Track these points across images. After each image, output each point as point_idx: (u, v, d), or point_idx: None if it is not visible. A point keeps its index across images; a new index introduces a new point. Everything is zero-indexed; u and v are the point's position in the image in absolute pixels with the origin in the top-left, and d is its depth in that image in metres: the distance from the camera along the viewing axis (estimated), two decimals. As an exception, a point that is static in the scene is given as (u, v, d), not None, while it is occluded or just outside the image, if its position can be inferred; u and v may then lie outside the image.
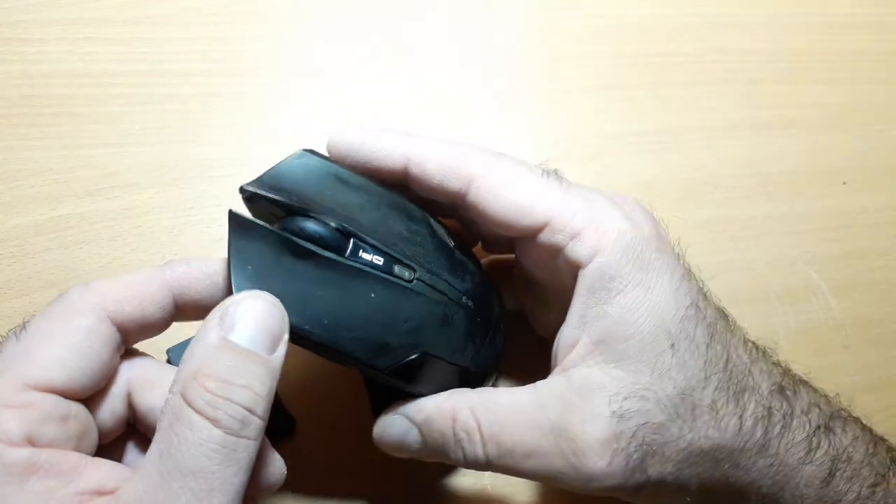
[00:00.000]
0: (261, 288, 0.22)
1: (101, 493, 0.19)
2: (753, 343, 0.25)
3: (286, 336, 0.21)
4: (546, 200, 0.24)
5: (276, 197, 0.24)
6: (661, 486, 0.23)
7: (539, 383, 0.24)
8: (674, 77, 0.41)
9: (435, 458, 0.25)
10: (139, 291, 0.22)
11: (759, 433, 0.23)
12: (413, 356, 0.23)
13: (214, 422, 0.19)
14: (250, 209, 0.25)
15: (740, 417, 0.23)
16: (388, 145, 0.25)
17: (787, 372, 0.26)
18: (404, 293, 0.24)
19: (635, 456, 0.23)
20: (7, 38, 0.36)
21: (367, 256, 0.24)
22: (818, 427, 0.24)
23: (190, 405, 0.19)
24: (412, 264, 0.24)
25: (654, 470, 0.23)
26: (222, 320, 0.20)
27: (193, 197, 0.34)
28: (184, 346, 0.26)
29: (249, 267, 0.22)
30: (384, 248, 0.24)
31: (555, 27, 0.42)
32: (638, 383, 0.23)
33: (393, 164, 0.25)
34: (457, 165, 0.25)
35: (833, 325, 0.36)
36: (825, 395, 0.26)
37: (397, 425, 0.25)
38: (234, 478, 0.19)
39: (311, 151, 0.26)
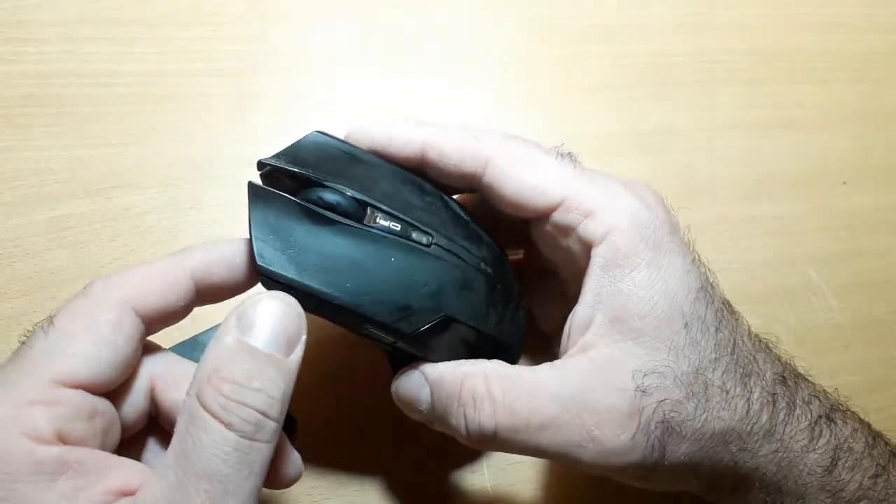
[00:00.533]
0: (282, 255, 0.22)
1: (125, 493, 0.19)
2: (756, 335, 0.26)
3: (304, 337, 0.21)
4: (560, 181, 0.25)
5: (295, 168, 0.24)
6: (674, 467, 0.23)
7: (557, 361, 0.24)
8: (674, 77, 0.41)
9: (441, 426, 0.25)
10: (162, 282, 0.22)
11: (765, 417, 0.24)
12: (436, 320, 0.23)
13: (228, 425, 0.19)
14: (267, 185, 0.25)
15: (748, 400, 0.24)
16: (405, 132, 0.26)
17: (787, 365, 0.26)
18: (423, 257, 0.24)
19: (655, 433, 0.23)
20: (7, 38, 0.36)
21: (384, 223, 0.24)
22: (819, 417, 0.25)
23: (205, 408, 0.19)
24: (428, 230, 0.24)
25: (671, 449, 0.23)
26: (240, 321, 0.20)
27: (193, 197, 0.34)
28: (188, 344, 0.26)
29: (271, 237, 0.22)
30: (400, 215, 0.24)
31: (555, 27, 0.42)
32: (656, 360, 0.23)
33: (411, 151, 0.26)
34: (473, 147, 0.25)
35: (833, 325, 0.36)
36: (823, 390, 0.26)
37: (413, 380, 0.25)
38: (246, 481, 0.19)
39: (324, 133, 0.26)
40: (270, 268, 0.22)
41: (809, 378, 0.27)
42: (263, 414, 0.19)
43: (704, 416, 0.23)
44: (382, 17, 0.40)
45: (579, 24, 0.42)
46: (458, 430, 0.24)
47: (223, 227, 0.33)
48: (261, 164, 0.25)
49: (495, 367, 0.24)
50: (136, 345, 0.21)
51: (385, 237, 0.24)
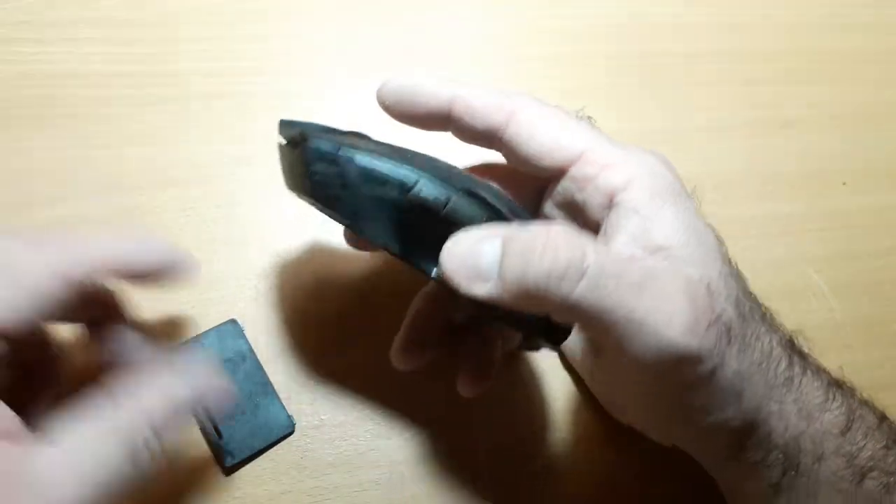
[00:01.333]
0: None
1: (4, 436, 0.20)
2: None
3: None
4: (580, 136, 0.26)
5: (331, 127, 0.25)
6: (728, 381, 0.23)
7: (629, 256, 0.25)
8: (674, 77, 0.41)
9: (512, 273, 0.21)
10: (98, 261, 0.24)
11: (784, 364, 0.24)
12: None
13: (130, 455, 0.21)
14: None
15: (771, 342, 0.24)
16: (434, 85, 0.26)
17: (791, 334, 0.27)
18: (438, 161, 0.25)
19: (722, 333, 0.22)
20: (7, 38, 0.36)
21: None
22: (830, 382, 0.26)
23: (130, 434, 0.21)
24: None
25: (729, 362, 0.22)
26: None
27: (193, 197, 0.34)
28: (191, 343, 0.26)
29: (319, 180, 0.23)
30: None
31: (555, 27, 0.42)
32: (711, 276, 0.23)
33: (439, 103, 0.26)
34: (499, 101, 0.26)
35: (833, 325, 0.36)
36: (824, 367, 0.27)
37: (474, 234, 0.22)
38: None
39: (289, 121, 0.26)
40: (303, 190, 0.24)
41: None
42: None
43: (748, 339, 0.24)
44: (382, 17, 0.40)
45: (579, 24, 0.42)
46: (539, 272, 0.21)
47: (223, 227, 0.33)
48: (289, 124, 0.25)
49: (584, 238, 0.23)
50: (54, 304, 0.23)
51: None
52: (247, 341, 0.31)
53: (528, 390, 0.32)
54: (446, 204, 0.23)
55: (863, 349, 0.36)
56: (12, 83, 0.35)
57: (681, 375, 0.22)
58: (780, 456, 0.25)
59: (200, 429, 0.29)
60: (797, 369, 0.25)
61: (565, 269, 0.20)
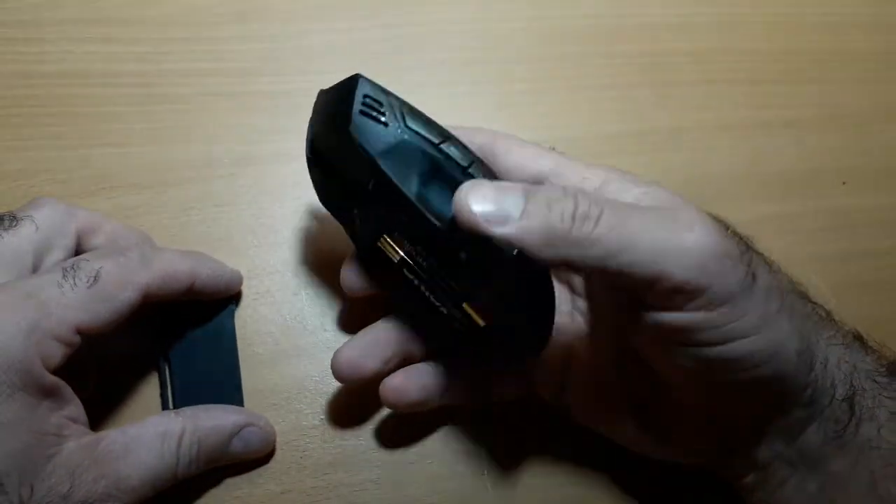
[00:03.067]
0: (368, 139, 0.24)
1: (74, 420, 0.25)
2: None
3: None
4: (549, 156, 0.27)
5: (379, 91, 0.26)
6: (760, 298, 0.23)
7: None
8: (674, 77, 0.41)
9: (529, 224, 0.22)
10: (175, 282, 0.27)
11: (823, 329, 0.26)
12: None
13: (174, 468, 0.26)
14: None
15: (810, 312, 0.26)
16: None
17: None
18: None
19: (746, 274, 0.23)
20: (7, 38, 0.36)
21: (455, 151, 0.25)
22: (853, 332, 0.27)
23: (178, 446, 0.26)
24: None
25: (762, 272, 0.24)
26: (241, 436, 0.28)
27: (193, 197, 0.34)
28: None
29: (362, 120, 0.25)
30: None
31: (555, 27, 0.42)
32: (721, 230, 0.24)
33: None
34: (480, 132, 0.28)
35: (833, 325, 0.36)
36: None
37: (494, 183, 0.22)
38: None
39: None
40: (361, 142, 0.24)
41: None
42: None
43: (778, 288, 0.25)
44: (382, 18, 0.40)
45: (579, 24, 0.42)
46: (566, 212, 0.22)
47: (223, 228, 0.33)
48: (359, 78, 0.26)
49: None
50: (130, 314, 0.26)
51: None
52: (233, 324, 0.31)
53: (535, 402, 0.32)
54: (470, 164, 0.25)
55: (863, 349, 0.36)
56: (12, 83, 0.35)
57: (721, 285, 0.22)
58: (831, 424, 0.25)
59: (161, 396, 0.30)
60: (833, 332, 0.26)
61: (588, 208, 0.22)
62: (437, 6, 0.41)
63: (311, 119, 0.27)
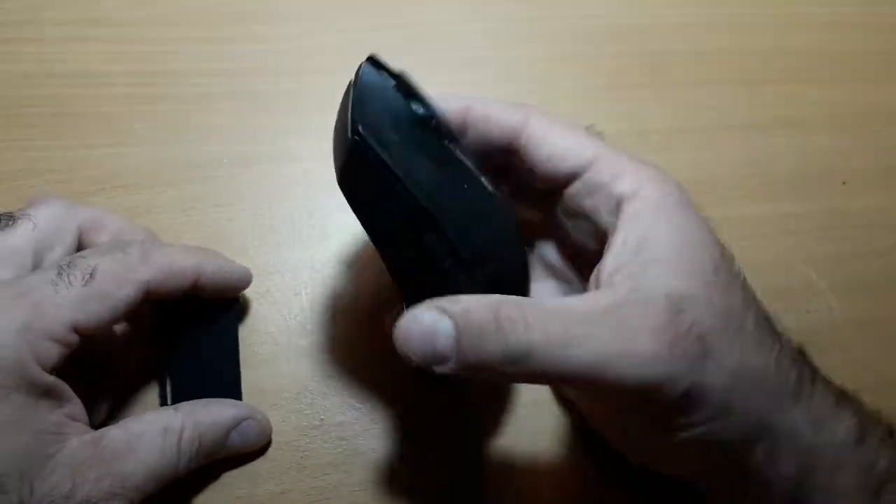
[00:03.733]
0: (378, 135, 0.22)
1: (73, 419, 0.24)
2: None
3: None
4: (592, 145, 0.26)
5: (402, 75, 0.26)
6: (711, 404, 0.23)
7: (585, 294, 0.25)
8: (674, 77, 0.41)
9: (464, 359, 0.22)
10: (177, 278, 0.27)
11: (794, 375, 0.24)
12: (493, 254, 0.25)
13: (175, 463, 0.26)
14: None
15: (779, 352, 0.24)
16: (447, 97, 0.27)
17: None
18: (489, 197, 0.25)
19: (693, 350, 0.22)
20: (7, 38, 0.36)
21: (462, 155, 0.25)
22: (838, 392, 0.25)
23: (178, 442, 0.26)
24: (495, 182, 0.26)
25: (710, 375, 0.22)
26: (239, 429, 0.28)
27: (193, 197, 0.34)
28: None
29: (372, 115, 0.23)
30: (471, 156, 0.26)
31: (555, 27, 0.42)
32: (690, 288, 0.23)
33: (453, 114, 0.27)
34: (514, 109, 0.27)
35: (833, 325, 0.36)
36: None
37: (427, 317, 0.22)
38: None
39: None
40: (367, 138, 0.22)
41: None
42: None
43: (739, 351, 0.23)
44: (382, 18, 0.40)
45: (579, 24, 0.42)
46: (494, 354, 0.22)
47: (223, 228, 0.33)
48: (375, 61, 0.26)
49: (523, 298, 0.24)
50: (130, 312, 0.26)
51: (465, 164, 0.25)
52: (236, 321, 0.31)
53: (534, 394, 0.32)
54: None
55: (863, 349, 0.36)
56: (12, 83, 0.35)
57: (657, 402, 0.23)
58: (792, 469, 0.24)
59: (159, 390, 0.30)
60: (806, 381, 0.25)
61: (515, 347, 0.22)
62: (437, 6, 0.41)
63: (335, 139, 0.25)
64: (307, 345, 0.32)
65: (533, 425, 0.32)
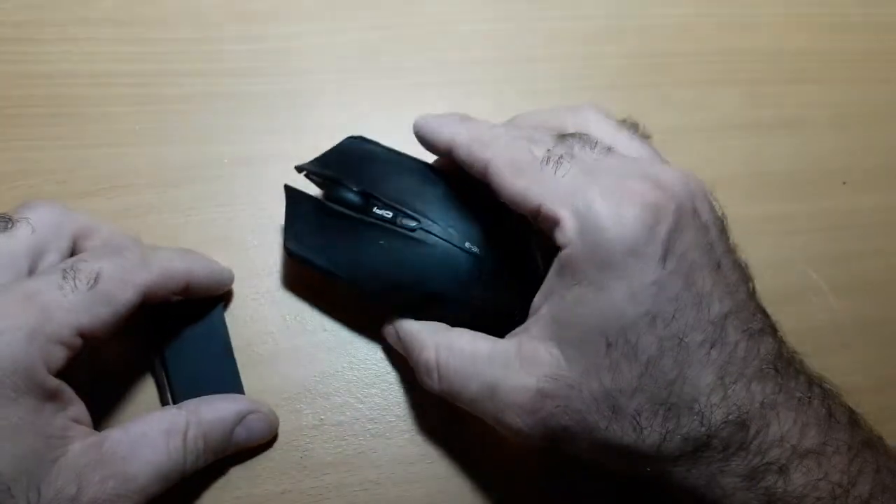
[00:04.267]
0: (301, 241, 0.30)
1: (78, 422, 0.25)
2: (740, 365, 0.24)
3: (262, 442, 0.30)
4: (538, 187, 0.26)
5: (318, 170, 0.31)
6: (581, 459, 0.26)
7: (498, 341, 0.27)
8: (674, 77, 0.41)
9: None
10: (172, 282, 0.28)
11: (687, 451, 0.23)
12: (423, 296, 0.29)
13: (182, 462, 0.26)
14: (310, 179, 0.32)
15: (663, 436, 0.23)
16: (439, 126, 0.29)
17: (764, 405, 0.24)
18: (408, 240, 0.29)
19: (553, 427, 0.25)
20: (7, 38, 0.36)
21: (379, 211, 0.29)
22: (770, 464, 0.23)
23: (184, 441, 0.26)
24: (417, 216, 0.29)
25: (568, 446, 0.25)
26: (244, 424, 0.28)
27: (193, 197, 0.34)
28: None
29: (296, 226, 0.30)
30: (393, 204, 0.29)
31: (555, 27, 0.42)
32: (570, 373, 0.24)
33: (442, 148, 0.29)
34: (476, 151, 0.28)
35: (833, 325, 0.36)
36: (813, 423, 0.24)
37: (390, 335, 0.30)
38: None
39: (357, 137, 0.32)
40: (293, 249, 0.30)
41: (799, 404, 0.24)
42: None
43: (607, 433, 0.24)
44: (382, 18, 0.40)
45: (579, 25, 0.42)
46: (419, 381, 0.29)
47: (223, 228, 0.33)
48: (298, 168, 0.32)
49: (447, 339, 0.28)
50: (129, 315, 0.26)
51: (378, 224, 0.29)
52: (223, 317, 0.31)
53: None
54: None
55: (863, 349, 0.36)
56: (12, 83, 0.35)
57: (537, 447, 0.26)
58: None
59: (159, 393, 0.30)
60: (712, 462, 0.23)
61: (425, 370, 0.28)
62: (438, 6, 0.41)
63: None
64: (307, 345, 0.32)
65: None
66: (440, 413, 0.31)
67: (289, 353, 0.32)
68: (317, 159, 0.32)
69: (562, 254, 0.25)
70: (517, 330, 0.27)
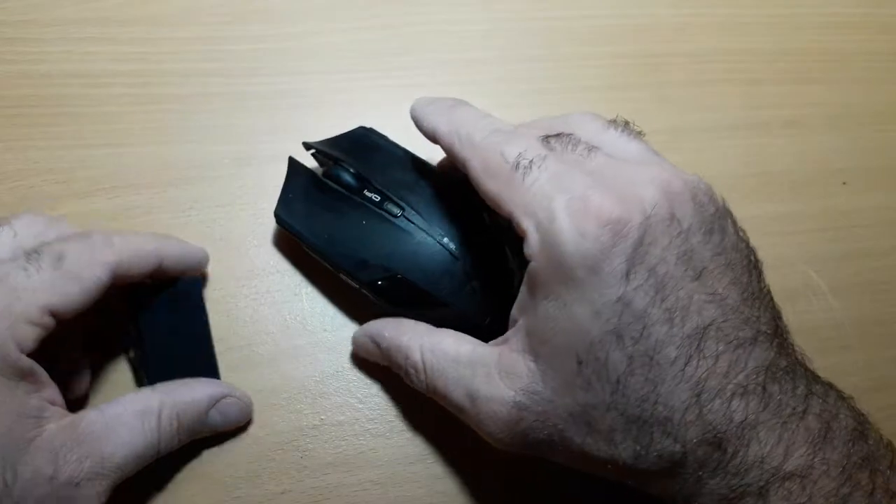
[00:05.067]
0: (290, 210, 0.31)
1: (52, 403, 0.25)
2: (719, 381, 0.22)
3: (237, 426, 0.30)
4: (508, 194, 0.25)
5: (321, 148, 0.33)
6: (563, 464, 0.26)
7: (481, 346, 0.27)
8: (674, 77, 0.41)
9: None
10: (142, 261, 0.28)
11: (664, 467, 0.23)
12: (387, 275, 0.29)
13: (157, 444, 0.26)
14: (315, 158, 0.34)
15: (637, 451, 0.23)
16: (432, 113, 0.30)
17: (745, 423, 0.22)
18: (388, 225, 0.30)
19: (532, 439, 0.25)
20: (7, 38, 0.36)
21: (368, 194, 0.30)
22: (748, 485, 0.22)
23: (158, 421, 0.26)
24: (403, 205, 0.30)
25: (549, 455, 0.25)
26: (218, 408, 0.28)
27: (193, 197, 0.34)
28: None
29: (291, 195, 0.32)
30: (383, 190, 0.30)
31: (555, 27, 0.42)
32: (545, 388, 0.24)
33: (428, 136, 0.30)
34: (455, 147, 0.28)
35: (833, 325, 0.36)
36: (801, 442, 0.22)
37: (368, 344, 0.30)
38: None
39: (366, 128, 0.33)
40: (281, 216, 0.31)
41: (785, 420, 0.22)
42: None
43: (583, 446, 0.24)
44: (382, 18, 0.40)
45: (579, 24, 0.42)
46: (408, 383, 0.29)
47: (223, 227, 0.33)
48: (306, 145, 0.33)
49: (431, 341, 0.28)
50: (100, 295, 0.26)
51: (364, 205, 0.30)
52: (202, 299, 0.31)
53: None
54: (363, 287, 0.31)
55: (863, 349, 0.36)
56: (12, 83, 0.35)
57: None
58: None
59: (135, 376, 0.30)
60: (687, 479, 0.23)
61: (413, 372, 0.28)
62: (438, 6, 0.41)
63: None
64: (307, 345, 0.32)
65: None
66: (440, 413, 0.31)
67: (289, 353, 0.32)
68: (325, 140, 0.33)
69: (529, 267, 0.25)
70: (498, 339, 0.27)
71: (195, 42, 0.37)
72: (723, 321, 0.23)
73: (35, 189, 0.33)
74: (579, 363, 0.23)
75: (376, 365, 0.31)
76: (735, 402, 0.22)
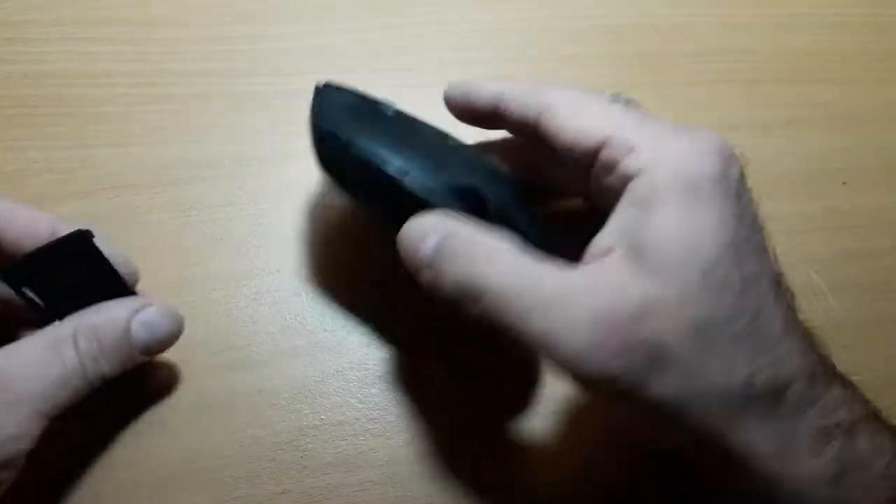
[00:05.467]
0: (332, 120, 0.27)
1: None
2: (801, 322, 0.25)
3: (171, 341, 0.28)
4: (607, 121, 0.25)
5: (351, 90, 0.30)
6: (657, 402, 0.22)
7: (569, 270, 0.24)
8: (674, 77, 0.41)
9: (431, 271, 0.24)
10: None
11: (768, 397, 0.22)
12: (466, 186, 0.26)
13: (81, 368, 0.25)
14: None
15: (752, 374, 0.22)
16: (483, 83, 0.29)
17: (822, 362, 0.24)
18: (449, 148, 0.29)
19: (640, 360, 0.22)
20: (7, 38, 0.36)
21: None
22: (837, 425, 0.23)
23: (74, 347, 0.25)
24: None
25: (655, 385, 0.22)
26: (140, 316, 0.26)
27: (193, 197, 0.34)
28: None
29: (326, 110, 0.28)
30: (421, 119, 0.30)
31: (555, 27, 0.42)
32: (664, 292, 0.22)
33: (485, 102, 0.29)
34: (532, 97, 0.27)
35: (833, 325, 0.36)
36: (861, 400, 0.25)
37: (425, 224, 0.25)
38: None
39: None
40: (323, 127, 0.27)
41: (849, 380, 0.25)
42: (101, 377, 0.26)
43: (702, 363, 0.22)
44: (382, 18, 0.40)
45: (579, 24, 0.42)
46: (452, 278, 0.24)
47: (223, 228, 0.34)
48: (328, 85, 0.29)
49: (509, 242, 0.24)
50: None
51: (415, 124, 0.29)
52: (95, 246, 0.27)
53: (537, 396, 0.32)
54: (430, 197, 0.26)
55: (863, 349, 0.36)
56: (12, 83, 0.35)
57: (595, 388, 0.24)
58: (750, 488, 0.23)
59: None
60: (790, 407, 0.23)
61: (470, 283, 0.23)
62: (438, 6, 0.41)
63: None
64: (307, 345, 0.32)
65: (534, 425, 0.32)
66: (440, 413, 0.31)
67: (289, 353, 0.32)
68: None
69: (638, 182, 0.24)
70: (589, 265, 0.24)
71: (195, 42, 0.37)
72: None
73: (35, 189, 0.33)
74: (703, 273, 0.22)
75: (376, 365, 0.31)
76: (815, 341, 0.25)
